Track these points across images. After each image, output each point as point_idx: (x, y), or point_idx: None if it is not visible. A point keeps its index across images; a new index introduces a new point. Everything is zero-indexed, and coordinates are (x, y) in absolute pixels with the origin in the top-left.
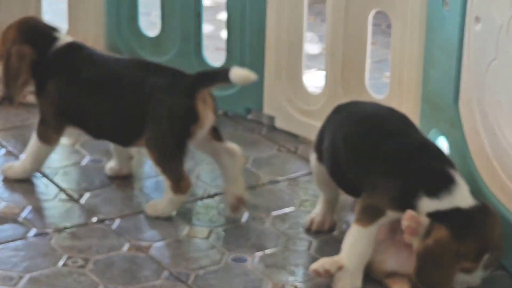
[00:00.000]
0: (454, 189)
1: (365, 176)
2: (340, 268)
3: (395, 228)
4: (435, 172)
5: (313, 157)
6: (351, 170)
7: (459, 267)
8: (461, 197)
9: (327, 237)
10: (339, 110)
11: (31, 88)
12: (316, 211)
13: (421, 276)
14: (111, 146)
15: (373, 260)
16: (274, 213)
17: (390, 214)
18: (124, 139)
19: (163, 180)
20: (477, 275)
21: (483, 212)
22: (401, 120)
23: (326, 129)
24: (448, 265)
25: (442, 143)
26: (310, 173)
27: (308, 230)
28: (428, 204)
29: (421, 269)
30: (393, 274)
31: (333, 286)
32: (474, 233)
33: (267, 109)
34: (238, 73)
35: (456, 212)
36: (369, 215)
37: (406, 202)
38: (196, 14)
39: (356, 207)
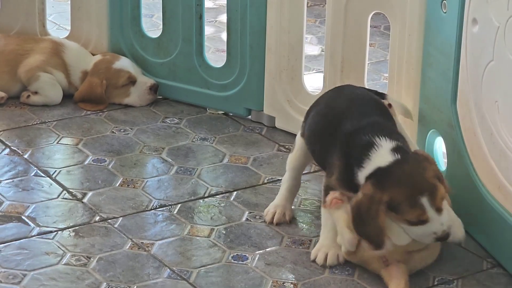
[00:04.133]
0: (373, 154)
1: (326, 155)
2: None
3: None
4: (361, 146)
5: (301, 140)
6: (320, 147)
7: (405, 222)
8: (379, 158)
9: None
10: (331, 91)
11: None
12: (276, 203)
13: (357, 228)
14: None
15: (362, 250)
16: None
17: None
18: None
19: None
20: (437, 222)
21: (402, 163)
22: (371, 105)
23: (314, 106)
24: (375, 215)
25: (440, 144)
26: (309, 173)
27: (270, 223)
28: (361, 176)
29: (355, 222)
30: (387, 263)
31: (315, 258)
32: (396, 181)
33: (267, 110)
34: None
35: (377, 171)
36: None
37: (350, 182)
38: (198, 16)
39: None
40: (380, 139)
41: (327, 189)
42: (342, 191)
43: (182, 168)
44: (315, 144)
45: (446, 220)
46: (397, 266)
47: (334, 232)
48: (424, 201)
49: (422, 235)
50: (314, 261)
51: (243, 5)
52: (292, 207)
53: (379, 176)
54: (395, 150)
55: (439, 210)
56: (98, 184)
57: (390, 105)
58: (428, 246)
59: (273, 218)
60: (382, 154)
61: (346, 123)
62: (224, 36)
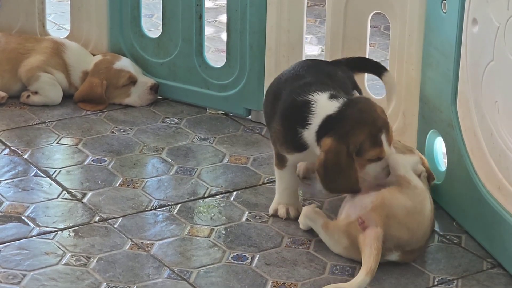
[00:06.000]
0: (315, 109)
1: (270, 124)
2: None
3: None
4: (300, 107)
5: None
6: (270, 121)
7: (364, 161)
8: (324, 108)
9: None
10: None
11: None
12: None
13: (327, 186)
14: None
15: (341, 223)
16: None
17: (294, 158)
18: None
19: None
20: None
21: (352, 105)
22: (313, 71)
23: None
24: (346, 166)
25: (440, 144)
26: None
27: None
28: (308, 134)
29: (325, 180)
30: (364, 225)
31: (274, 213)
32: (354, 126)
33: None
34: None
35: (328, 120)
36: (280, 161)
37: (298, 144)
38: (198, 16)
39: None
40: (312, 95)
41: (279, 156)
42: (289, 153)
43: (182, 168)
44: (269, 121)
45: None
46: (373, 231)
47: (288, 191)
48: (383, 137)
49: (376, 172)
50: (273, 215)
51: (243, 5)
52: None
53: (334, 125)
54: (332, 97)
55: (390, 144)
56: (98, 184)
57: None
58: (406, 220)
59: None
60: (324, 105)
61: (283, 91)
62: (224, 36)
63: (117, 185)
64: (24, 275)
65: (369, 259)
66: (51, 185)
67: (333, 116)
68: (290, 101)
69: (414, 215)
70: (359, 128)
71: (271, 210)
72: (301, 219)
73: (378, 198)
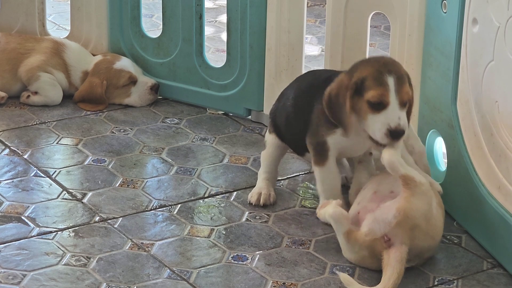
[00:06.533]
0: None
1: (309, 120)
2: None
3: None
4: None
5: (271, 136)
6: (300, 122)
7: (365, 106)
8: None
9: (327, 236)
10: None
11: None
12: (260, 186)
13: (332, 116)
14: None
15: (364, 235)
16: (275, 212)
17: (334, 141)
18: None
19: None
20: (394, 111)
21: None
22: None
23: (278, 105)
24: (343, 100)
25: (440, 144)
26: (310, 173)
27: (256, 205)
28: None
29: (329, 109)
30: (390, 243)
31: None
32: (367, 61)
33: (267, 110)
34: None
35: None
36: (321, 154)
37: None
38: (198, 16)
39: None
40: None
41: (319, 148)
42: (330, 130)
43: (182, 168)
44: (292, 126)
45: (404, 120)
46: (398, 251)
47: (331, 191)
48: (390, 81)
49: (377, 125)
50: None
51: (243, 5)
52: (292, 206)
53: (353, 65)
54: None
55: (401, 104)
56: (98, 184)
57: None
58: (428, 227)
59: (258, 200)
60: None
61: (317, 90)
62: (224, 36)
63: (117, 185)
64: (24, 275)
65: (388, 281)
66: (51, 185)
67: (356, 62)
68: (324, 79)
69: (432, 219)
70: (368, 66)
71: (320, 216)
72: (324, 216)
73: (400, 212)
